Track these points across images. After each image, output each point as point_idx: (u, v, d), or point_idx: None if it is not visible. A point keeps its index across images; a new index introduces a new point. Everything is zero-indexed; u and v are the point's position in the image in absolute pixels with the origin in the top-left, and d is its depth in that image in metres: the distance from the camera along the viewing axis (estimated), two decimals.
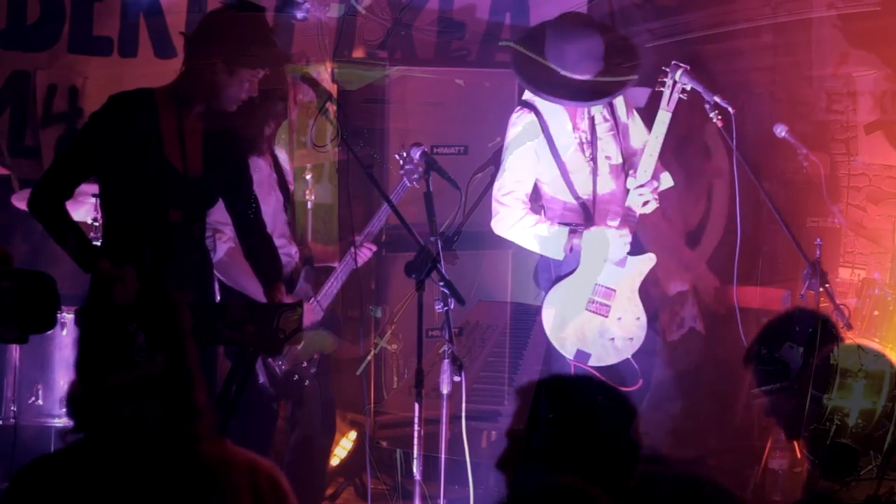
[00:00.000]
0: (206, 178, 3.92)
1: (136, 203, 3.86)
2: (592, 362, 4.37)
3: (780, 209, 4.62)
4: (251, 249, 4.15)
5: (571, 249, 4.40)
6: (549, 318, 4.39)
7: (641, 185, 4.41)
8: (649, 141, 4.42)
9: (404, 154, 4.75)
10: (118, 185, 3.90)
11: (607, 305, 4.41)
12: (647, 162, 4.41)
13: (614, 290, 4.41)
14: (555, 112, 4.48)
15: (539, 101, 4.48)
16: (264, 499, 2.39)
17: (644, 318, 4.45)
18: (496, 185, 4.52)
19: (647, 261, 4.47)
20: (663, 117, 4.39)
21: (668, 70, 4.40)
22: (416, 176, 4.75)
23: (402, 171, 4.78)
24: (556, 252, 4.42)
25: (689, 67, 4.43)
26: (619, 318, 4.42)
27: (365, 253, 4.86)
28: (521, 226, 4.44)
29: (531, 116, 4.47)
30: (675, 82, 4.36)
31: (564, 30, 4.44)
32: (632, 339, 4.43)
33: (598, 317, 4.41)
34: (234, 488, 2.36)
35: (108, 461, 2.38)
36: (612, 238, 4.36)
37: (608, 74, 4.41)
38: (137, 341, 3.71)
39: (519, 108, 4.55)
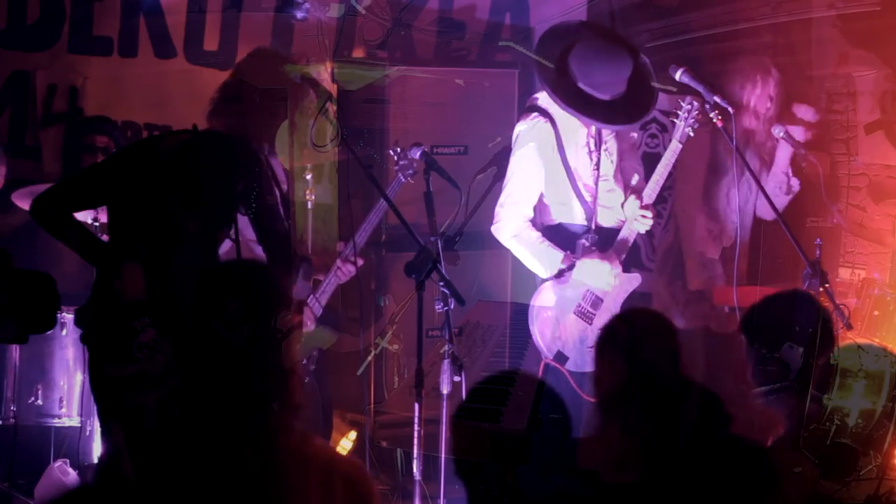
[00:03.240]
0: (215, 219, 3.93)
1: (144, 243, 3.86)
2: (569, 366, 4.40)
3: (779, 209, 4.62)
4: (262, 241, 4.18)
5: (560, 276, 4.42)
6: (534, 314, 4.41)
7: (645, 207, 4.48)
8: (658, 167, 4.51)
9: (398, 150, 4.76)
10: (127, 220, 3.90)
11: (593, 314, 4.44)
12: (653, 187, 4.50)
13: (602, 301, 4.45)
14: (569, 121, 4.45)
15: (554, 109, 4.45)
16: (334, 498, 2.40)
17: None
18: (504, 190, 4.51)
19: (634, 280, 4.54)
20: (675, 146, 4.48)
21: (683, 103, 4.45)
22: (410, 171, 4.76)
23: (396, 168, 4.78)
24: (546, 273, 4.46)
25: (687, 68, 4.46)
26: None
27: (349, 269, 4.80)
28: (518, 239, 4.45)
29: (547, 125, 4.45)
30: (688, 115, 4.44)
31: (596, 48, 4.41)
32: None
33: (583, 323, 4.44)
34: (302, 482, 2.36)
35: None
36: (602, 273, 4.41)
37: (629, 98, 4.40)
38: (140, 338, 3.73)
39: (534, 113, 4.49)
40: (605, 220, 4.56)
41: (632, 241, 4.53)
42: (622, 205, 4.58)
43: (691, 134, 4.50)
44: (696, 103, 4.46)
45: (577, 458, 2.94)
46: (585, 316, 4.43)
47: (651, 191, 4.50)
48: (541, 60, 4.41)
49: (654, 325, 3.07)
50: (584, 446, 2.97)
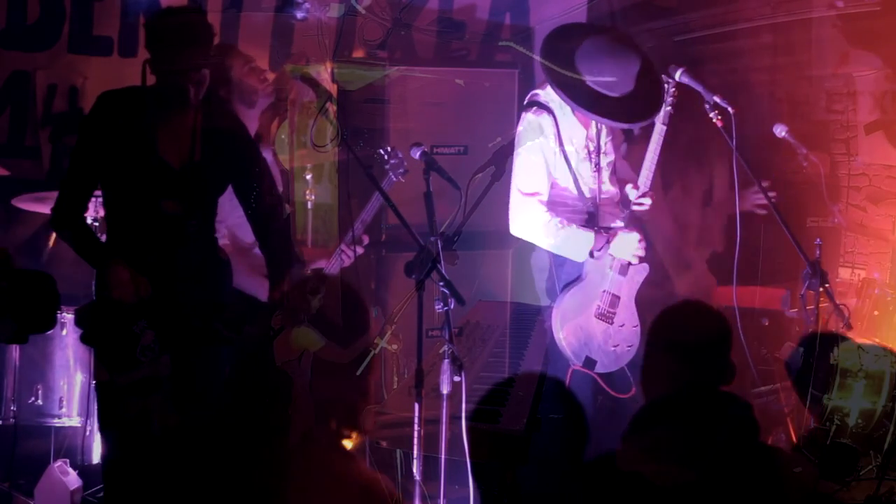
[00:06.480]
0: (196, 171, 3.91)
1: (131, 198, 3.85)
2: (598, 369, 4.41)
3: (780, 209, 4.62)
4: (260, 242, 4.17)
5: (598, 251, 4.42)
6: (559, 324, 4.41)
7: (643, 195, 4.48)
8: (648, 153, 4.49)
9: (388, 149, 4.81)
10: (113, 180, 3.89)
11: (613, 313, 4.46)
12: (646, 174, 4.49)
13: (619, 298, 4.45)
14: (568, 120, 4.47)
15: (555, 106, 4.46)
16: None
17: (639, 326, 4.49)
18: (514, 185, 4.49)
19: (643, 270, 4.54)
20: (659, 129, 4.48)
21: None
22: (401, 170, 4.82)
23: (387, 167, 4.83)
24: (580, 254, 4.45)
25: (686, 67, 4.46)
26: (622, 326, 4.47)
27: (357, 250, 4.87)
28: (546, 229, 4.42)
29: (549, 119, 4.45)
30: (666, 95, 4.44)
31: (603, 45, 4.41)
32: (631, 346, 4.48)
33: (604, 324, 4.44)
34: (312, 484, 2.36)
35: None
36: (632, 242, 4.44)
37: (637, 95, 4.40)
38: (142, 341, 3.73)
39: (535, 108, 4.48)
40: (604, 220, 4.56)
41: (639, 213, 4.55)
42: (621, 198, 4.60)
43: (670, 110, 4.48)
44: (672, 80, 4.45)
45: (619, 458, 2.92)
46: (606, 317, 4.44)
47: (644, 177, 4.49)
48: (546, 63, 4.40)
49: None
50: (629, 446, 2.94)
